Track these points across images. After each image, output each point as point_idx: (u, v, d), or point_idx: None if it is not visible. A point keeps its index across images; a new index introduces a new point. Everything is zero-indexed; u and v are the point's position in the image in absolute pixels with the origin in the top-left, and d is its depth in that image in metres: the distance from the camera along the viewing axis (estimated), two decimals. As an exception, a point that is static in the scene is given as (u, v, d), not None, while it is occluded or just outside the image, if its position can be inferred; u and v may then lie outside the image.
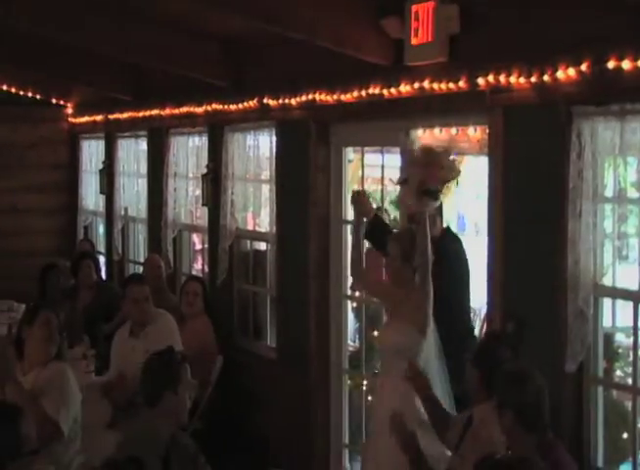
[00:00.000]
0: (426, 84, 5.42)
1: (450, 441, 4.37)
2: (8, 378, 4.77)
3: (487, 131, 5.23)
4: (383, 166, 6.42)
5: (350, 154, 6.99)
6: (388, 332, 5.19)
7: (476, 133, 7.89)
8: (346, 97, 6.19)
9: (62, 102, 11.26)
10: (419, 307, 4.96)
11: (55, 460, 4.82)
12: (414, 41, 5.39)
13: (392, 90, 5.72)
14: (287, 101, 6.87)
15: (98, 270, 8.67)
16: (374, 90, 5.90)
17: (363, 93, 6.00)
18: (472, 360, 4.31)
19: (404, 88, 5.61)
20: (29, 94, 10.82)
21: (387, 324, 5.31)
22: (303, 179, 6.80)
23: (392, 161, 6.46)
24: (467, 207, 12.45)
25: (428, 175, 5.04)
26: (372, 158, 6.97)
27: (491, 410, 4.00)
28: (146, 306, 6.53)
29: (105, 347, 6.95)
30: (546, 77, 4.60)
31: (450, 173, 5.10)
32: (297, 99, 6.73)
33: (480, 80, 5.01)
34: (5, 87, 10.62)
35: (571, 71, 4.45)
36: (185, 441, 4.30)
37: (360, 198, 5.58)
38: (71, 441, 4.99)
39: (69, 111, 11.35)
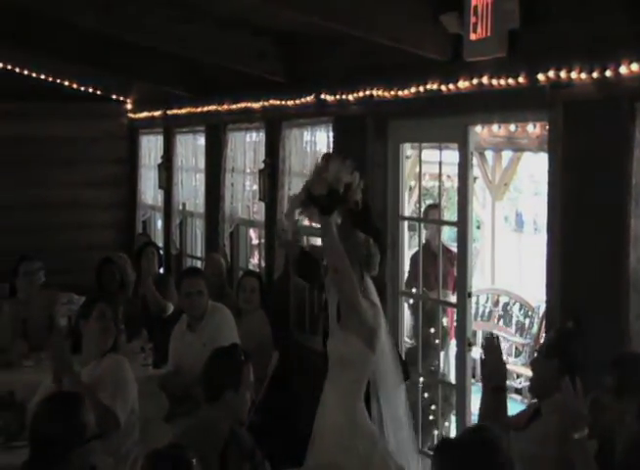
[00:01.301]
0: (485, 80, 5.37)
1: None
2: (66, 371, 4.84)
3: (547, 128, 5.16)
4: (441, 163, 6.38)
5: (408, 150, 6.96)
6: (334, 340, 4.98)
7: (535, 130, 7.85)
8: (404, 93, 6.16)
9: (121, 98, 11.40)
10: (363, 321, 4.83)
11: (112, 452, 4.88)
12: (473, 36, 5.35)
13: (451, 86, 5.68)
14: (344, 97, 6.86)
15: (160, 260, 8.74)
16: (432, 86, 5.86)
17: (421, 89, 5.97)
18: (545, 354, 4.25)
19: (462, 84, 5.57)
20: (90, 90, 10.97)
21: (335, 331, 5.02)
22: (361, 175, 6.77)
23: (451, 157, 6.43)
24: (525, 204, 12.38)
25: (315, 181, 4.75)
26: (430, 154, 6.94)
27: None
28: (198, 300, 6.55)
29: (163, 340, 7.00)
30: (608, 73, 4.53)
31: (337, 182, 4.73)
32: (355, 95, 6.72)
33: (541, 76, 4.95)
34: (67, 83, 10.78)
35: (635, 66, 4.37)
36: (243, 436, 4.31)
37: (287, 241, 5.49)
38: (129, 433, 5.04)
39: (129, 106, 11.47)
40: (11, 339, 7.28)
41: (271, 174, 8.07)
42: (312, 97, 7.28)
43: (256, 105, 8.18)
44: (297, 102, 7.51)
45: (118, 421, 4.88)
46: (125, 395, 4.99)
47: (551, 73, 4.88)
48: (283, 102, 7.74)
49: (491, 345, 4.10)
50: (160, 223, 11.20)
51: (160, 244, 10.60)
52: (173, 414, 6.09)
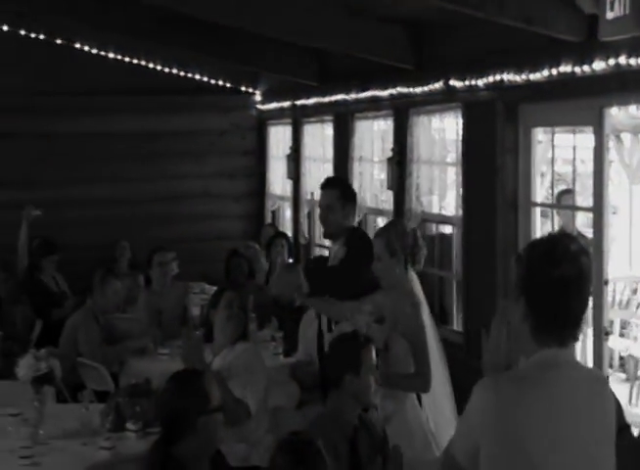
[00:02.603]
0: (622, 60, 5.18)
1: None
2: (196, 361, 4.90)
3: (689, 108, 4.94)
4: (574, 147, 6.20)
5: (540, 134, 6.80)
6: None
7: (675, 110, 7.52)
8: (536, 76, 6.00)
9: (250, 89, 11.52)
10: (414, 316, 4.74)
11: (244, 439, 4.93)
12: (609, 15, 5.16)
13: (585, 67, 5.50)
14: (473, 82, 6.73)
15: (290, 250, 8.80)
16: (565, 68, 5.69)
17: (554, 72, 5.81)
18: None
19: (598, 65, 5.39)
20: (220, 82, 11.14)
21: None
22: (491, 161, 6.66)
23: (585, 141, 6.24)
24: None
25: None
26: (562, 138, 6.75)
27: None
28: None
29: (293, 328, 7.05)
30: None
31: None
32: (484, 80, 6.59)
33: (682, 54, 4.74)
34: (197, 76, 10.97)
35: None
36: (372, 425, 4.29)
37: None
38: (260, 420, 5.08)
39: (258, 98, 11.59)
40: (147, 328, 7.47)
41: (399, 162, 8.01)
42: (441, 83, 7.18)
43: (384, 93, 8.12)
44: (426, 89, 7.41)
45: (249, 410, 4.92)
46: (256, 383, 5.03)
47: (693, 51, 4.67)
48: (411, 89, 7.66)
49: None
50: (288, 213, 11.28)
51: (289, 233, 10.69)
52: (304, 403, 6.12)
